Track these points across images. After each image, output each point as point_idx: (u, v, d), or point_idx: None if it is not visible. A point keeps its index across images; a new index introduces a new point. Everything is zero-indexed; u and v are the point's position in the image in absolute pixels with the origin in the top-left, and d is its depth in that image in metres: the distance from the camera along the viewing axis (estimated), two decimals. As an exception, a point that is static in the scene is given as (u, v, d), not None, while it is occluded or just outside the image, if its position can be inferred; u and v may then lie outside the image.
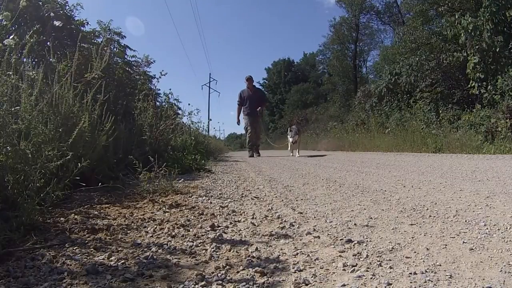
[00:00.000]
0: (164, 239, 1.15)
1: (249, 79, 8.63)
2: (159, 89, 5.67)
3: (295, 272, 0.86)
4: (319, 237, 1.15)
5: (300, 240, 1.13)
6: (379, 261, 0.91)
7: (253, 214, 1.53)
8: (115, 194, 1.96)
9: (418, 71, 11.09)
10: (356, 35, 24.04)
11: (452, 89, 9.97)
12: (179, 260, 0.96)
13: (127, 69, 4.36)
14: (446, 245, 1.02)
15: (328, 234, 1.18)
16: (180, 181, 2.49)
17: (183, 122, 5.99)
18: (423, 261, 0.90)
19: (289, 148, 8.24)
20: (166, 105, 5.01)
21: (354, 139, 11.34)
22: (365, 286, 0.78)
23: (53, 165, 1.36)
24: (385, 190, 2.07)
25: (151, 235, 1.20)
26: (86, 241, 1.09)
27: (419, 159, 5.17)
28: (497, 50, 8.04)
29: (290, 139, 7.61)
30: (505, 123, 6.25)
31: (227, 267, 0.90)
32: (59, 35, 3.12)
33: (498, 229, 1.16)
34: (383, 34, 23.90)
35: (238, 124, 8.68)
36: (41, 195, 1.28)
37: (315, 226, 1.29)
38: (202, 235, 1.20)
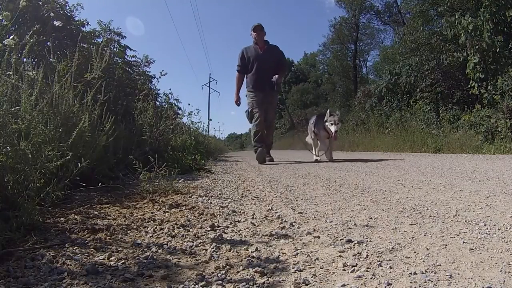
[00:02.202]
0: (164, 239, 1.15)
1: (258, 29, 5.07)
2: (159, 89, 5.69)
3: (295, 272, 0.86)
4: (319, 237, 1.15)
5: (300, 240, 1.13)
6: (379, 261, 0.91)
7: (253, 214, 1.53)
8: (115, 194, 1.96)
9: (418, 71, 11.11)
10: (356, 35, 24.05)
11: (452, 89, 9.98)
12: (179, 260, 0.96)
13: (127, 69, 4.37)
14: (446, 245, 1.02)
15: (328, 234, 1.18)
16: (180, 181, 2.49)
17: (183, 122, 6.00)
18: (423, 261, 0.90)
19: (322, 148, 5.22)
20: (166, 105, 5.02)
21: (354, 139, 11.34)
22: (365, 286, 0.77)
23: (53, 165, 1.36)
24: (385, 190, 2.07)
25: (151, 235, 1.20)
26: (86, 241, 1.09)
27: (419, 159, 5.17)
28: (497, 50, 8.05)
29: (332, 128, 4.75)
30: (505, 123, 6.25)
31: (227, 267, 0.90)
32: (59, 35, 3.12)
33: (498, 229, 1.16)
34: (383, 34, 23.93)
35: (238, 105, 5.36)
36: (41, 195, 1.28)
37: (315, 226, 1.29)
38: (202, 235, 1.20)
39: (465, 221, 1.29)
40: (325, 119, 4.93)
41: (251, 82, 5.18)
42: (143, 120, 3.47)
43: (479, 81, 8.39)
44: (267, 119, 5.20)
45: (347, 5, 23.12)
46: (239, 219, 1.45)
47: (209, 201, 1.86)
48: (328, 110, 5.02)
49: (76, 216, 1.39)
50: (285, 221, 1.38)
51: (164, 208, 1.63)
